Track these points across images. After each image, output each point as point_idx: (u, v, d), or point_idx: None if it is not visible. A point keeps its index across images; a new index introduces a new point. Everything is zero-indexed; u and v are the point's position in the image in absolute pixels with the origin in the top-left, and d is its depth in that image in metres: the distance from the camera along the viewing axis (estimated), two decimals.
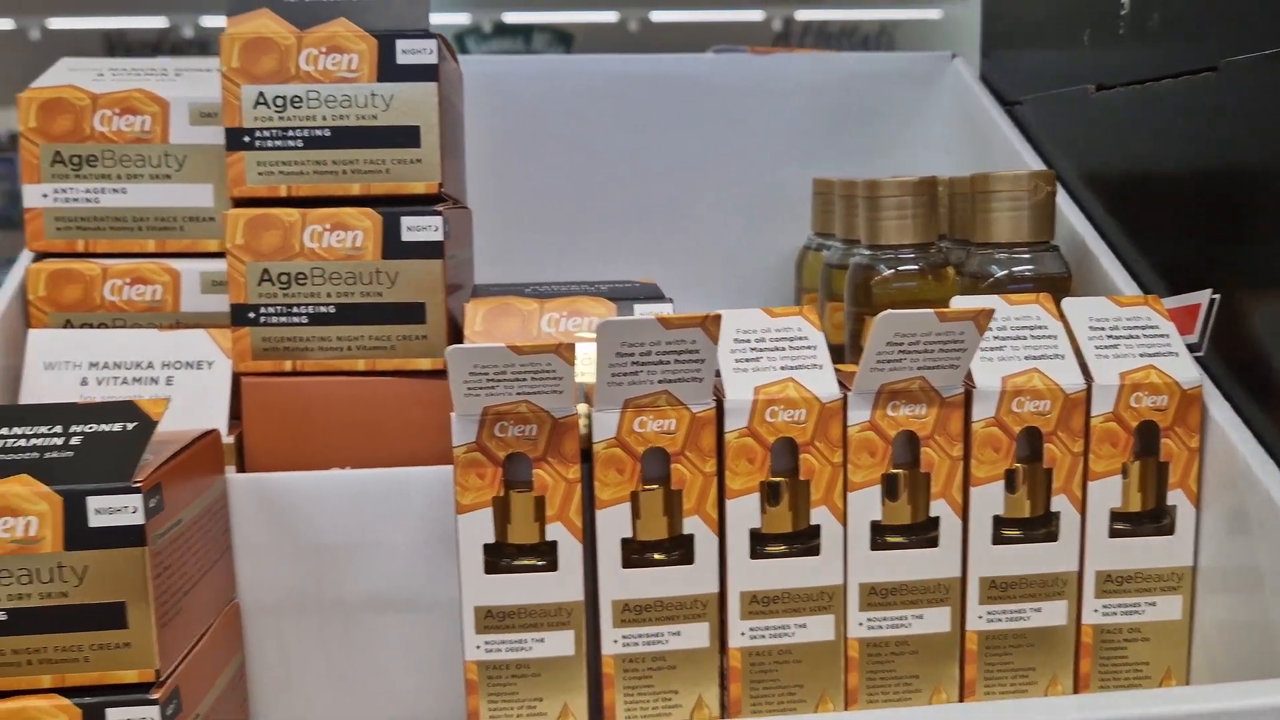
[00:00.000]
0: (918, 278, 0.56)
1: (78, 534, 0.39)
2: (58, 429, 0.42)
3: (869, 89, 0.73)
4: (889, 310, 0.42)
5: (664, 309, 0.52)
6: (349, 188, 0.51)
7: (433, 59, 0.50)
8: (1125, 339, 0.48)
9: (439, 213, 0.50)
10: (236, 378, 0.51)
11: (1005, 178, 0.52)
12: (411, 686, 0.50)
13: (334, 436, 0.51)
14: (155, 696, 0.40)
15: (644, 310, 0.52)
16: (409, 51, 0.50)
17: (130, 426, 0.42)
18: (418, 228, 0.50)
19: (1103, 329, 0.48)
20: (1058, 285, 0.53)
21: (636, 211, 0.73)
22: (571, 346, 0.41)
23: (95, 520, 0.39)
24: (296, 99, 0.50)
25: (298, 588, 0.49)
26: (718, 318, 0.41)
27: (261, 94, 0.50)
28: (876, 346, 0.43)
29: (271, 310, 0.50)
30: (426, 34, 0.51)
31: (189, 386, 0.50)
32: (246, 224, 0.50)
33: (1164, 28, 0.52)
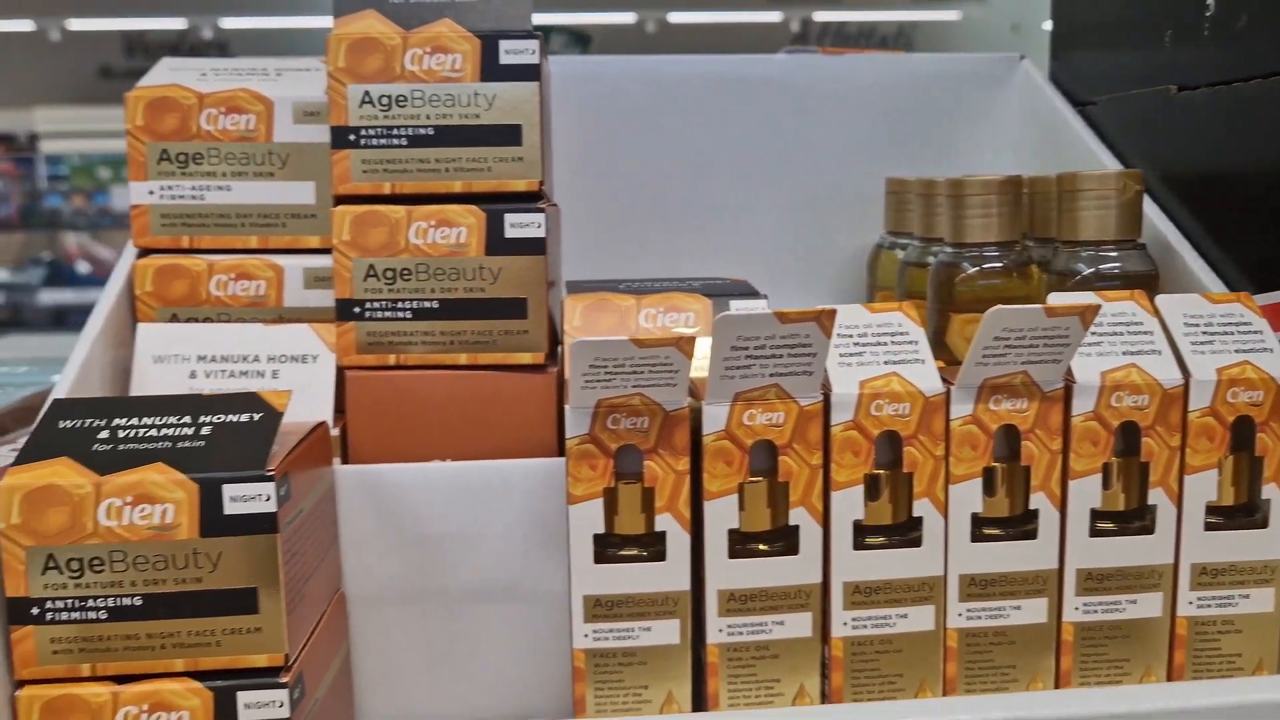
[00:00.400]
0: (1002, 275, 0.57)
1: (213, 521, 0.40)
2: (187, 419, 0.43)
3: (938, 90, 0.74)
4: (998, 306, 0.43)
5: (759, 305, 0.53)
6: (451, 185, 0.52)
7: (535, 59, 0.51)
8: (1220, 335, 0.49)
9: (541, 210, 0.51)
10: (340, 371, 0.52)
11: (1094, 176, 0.53)
12: (512, 676, 0.51)
13: (435, 429, 0.52)
14: (284, 680, 0.41)
15: (740, 306, 0.52)
16: (511, 51, 0.51)
17: (257, 417, 0.43)
18: (520, 225, 0.51)
19: (1197, 325, 0.49)
20: (1146, 283, 0.53)
21: (707, 210, 0.74)
22: (692, 340, 0.42)
23: (230, 508, 0.40)
24: (401, 98, 0.51)
25: (400, 578, 0.50)
26: (833, 313, 0.42)
27: (367, 93, 0.51)
28: (983, 342, 0.44)
29: (376, 305, 0.51)
30: (529, 34, 0.52)
31: (294, 380, 0.51)
32: (353, 220, 0.51)
33: (1251, 28, 0.53)
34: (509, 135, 0.52)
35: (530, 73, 0.51)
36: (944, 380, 0.47)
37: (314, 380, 0.52)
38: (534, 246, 0.51)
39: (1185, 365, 0.47)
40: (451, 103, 0.51)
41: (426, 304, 0.51)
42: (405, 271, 0.51)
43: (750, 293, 0.54)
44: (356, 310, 0.51)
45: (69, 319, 3.90)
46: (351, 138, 0.51)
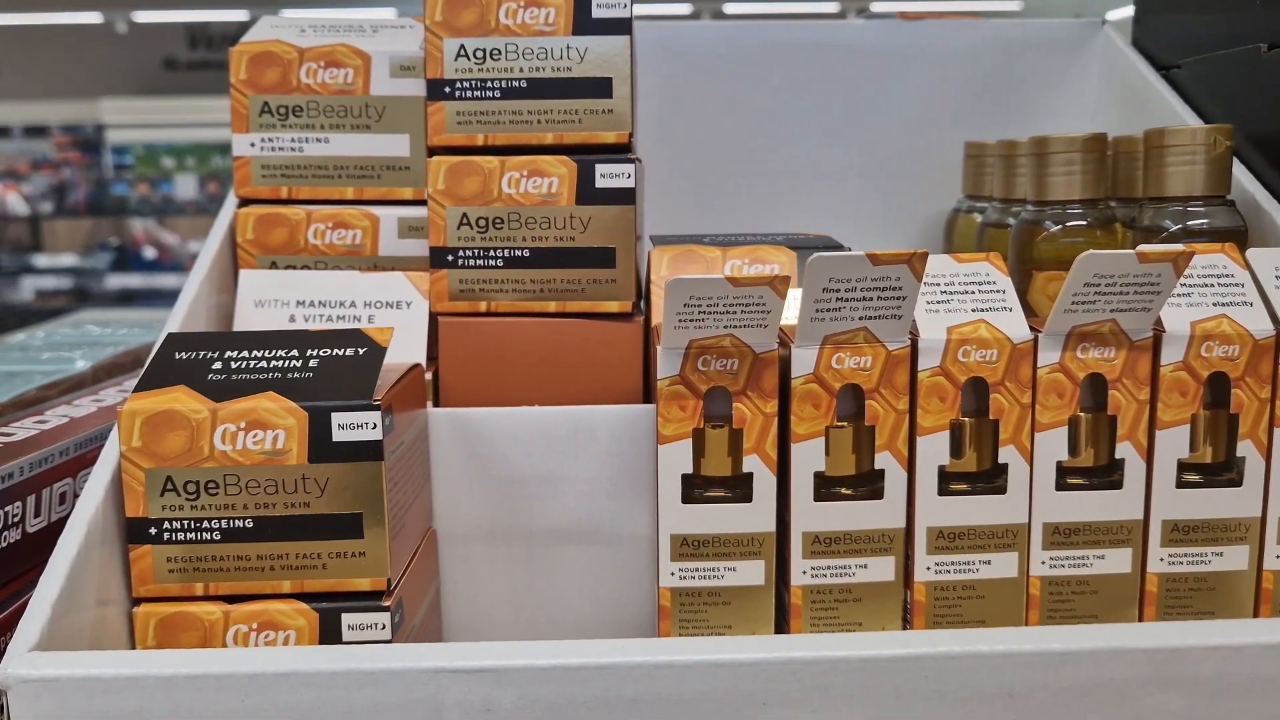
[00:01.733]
0: (1086, 233, 0.57)
1: (322, 447, 0.42)
2: (294, 352, 0.45)
3: (1017, 55, 0.73)
4: (1090, 251, 0.43)
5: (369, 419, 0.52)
6: (543, 137, 0.53)
7: (626, 13, 0.52)
8: None
9: (631, 160, 0.52)
10: (433, 318, 0.53)
11: (1183, 131, 0.53)
12: (595, 618, 0.52)
13: (524, 375, 0.53)
14: (387, 604, 0.43)
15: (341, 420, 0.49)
16: (603, 5, 0.52)
17: (362, 351, 0.44)
18: (611, 175, 0.52)
19: None
20: (1235, 238, 0.53)
21: (786, 173, 0.74)
22: (786, 280, 0.42)
23: (339, 435, 0.42)
24: (496, 51, 0.53)
25: (488, 518, 0.51)
26: (924, 255, 0.43)
27: (463, 46, 0.53)
28: (1073, 288, 0.44)
29: (469, 253, 0.53)
30: (623, 24, 0.53)
31: (390, 323, 0.53)
32: (448, 170, 0.52)
33: None
34: (600, 88, 0.53)
35: (622, 26, 0.52)
36: (1031, 328, 0.47)
37: (408, 325, 0.53)
38: (624, 197, 0.52)
39: (1277, 317, 0.47)
40: (544, 55, 0.53)
41: (518, 252, 0.53)
42: (498, 220, 0.52)
43: (835, 246, 0.54)
44: (450, 258, 0.53)
45: (135, 301, 4.01)
46: (447, 90, 0.53)
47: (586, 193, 0.52)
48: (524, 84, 0.53)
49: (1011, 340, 0.46)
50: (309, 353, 0.44)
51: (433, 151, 0.53)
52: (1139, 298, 0.45)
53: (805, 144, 0.74)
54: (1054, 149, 0.56)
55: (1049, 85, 0.74)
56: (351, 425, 0.42)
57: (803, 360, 0.45)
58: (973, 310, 0.47)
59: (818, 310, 0.44)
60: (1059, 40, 0.73)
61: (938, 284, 0.48)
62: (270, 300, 0.54)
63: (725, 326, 0.44)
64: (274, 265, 0.56)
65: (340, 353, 0.44)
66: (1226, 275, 0.48)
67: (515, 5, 0.53)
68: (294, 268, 0.56)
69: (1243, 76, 0.60)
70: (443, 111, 0.53)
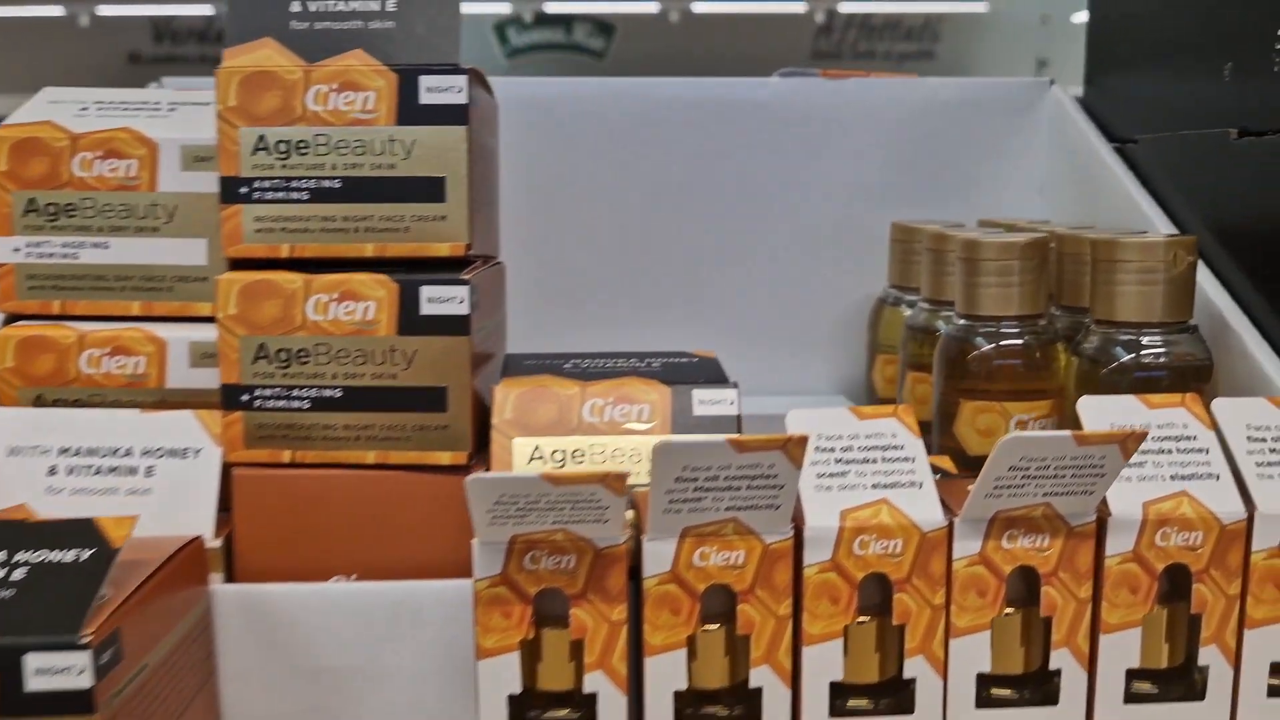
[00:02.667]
0: (1024, 355, 0.48)
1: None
2: (2, 555, 0.35)
3: (955, 119, 0.64)
4: (1015, 435, 0.34)
5: (726, 396, 0.44)
6: (361, 248, 0.43)
7: (462, 98, 0.43)
8: None
9: (465, 281, 0.42)
10: (227, 468, 0.44)
11: (1136, 245, 0.44)
12: None
13: (338, 540, 0.43)
14: None
15: (704, 397, 0.44)
16: (434, 89, 0.43)
17: (86, 556, 0.35)
18: (440, 299, 0.42)
19: (1264, 439, 0.40)
20: (1198, 375, 0.44)
21: (692, 253, 0.65)
22: (622, 478, 0.33)
23: (33, 684, 0.32)
24: (302, 144, 0.43)
25: (292, 719, 0.42)
26: (803, 441, 0.34)
27: (262, 137, 0.43)
28: (995, 472, 0.35)
29: (268, 392, 0.43)
30: (456, 69, 0.43)
31: (172, 477, 0.43)
32: (241, 291, 0.43)
33: None
34: (431, 189, 0.43)
35: (457, 114, 0.43)
36: (946, 508, 0.38)
37: (195, 478, 0.43)
38: (456, 325, 0.42)
39: (1249, 493, 0.38)
40: (362, 150, 0.43)
41: (328, 392, 0.43)
42: (302, 353, 0.43)
43: (718, 378, 0.45)
44: (245, 398, 0.43)
45: None
46: (244, 190, 0.43)
47: (410, 320, 0.42)
48: (337, 184, 0.43)
49: (920, 528, 0.37)
50: (16, 559, 0.35)
51: (231, 265, 0.44)
52: (1078, 481, 0.36)
53: (711, 221, 0.65)
54: (986, 255, 0.47)
55: (991, 154, 0.65)
56: (50, 669, 0.32)
57: (658, 557, 0.36)
58: (874, 486, 0.38)
59: (671, 501, 0.35)
60: (1002, 102, 0.64)
61: (832, 450, 0.39)
62: (28, 447, 0.44)
63: (554, 522, 0.35)
64: (40, 400, 0.46)
65: (58, 557, 0.35)
66: (1187, 438, 0.39)
67: (326, 89, 0.43)
68: (65, 402, 0.46)
69: (1209, 163, 0.51)
70: (239, 216, 0.43)
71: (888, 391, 0.60)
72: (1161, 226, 0.53)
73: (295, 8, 0.44)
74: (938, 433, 0.50)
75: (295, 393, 0.43)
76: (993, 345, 0.48)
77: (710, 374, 0.46)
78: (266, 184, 0.43)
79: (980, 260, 0.48)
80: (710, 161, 0.64)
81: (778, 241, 0.65)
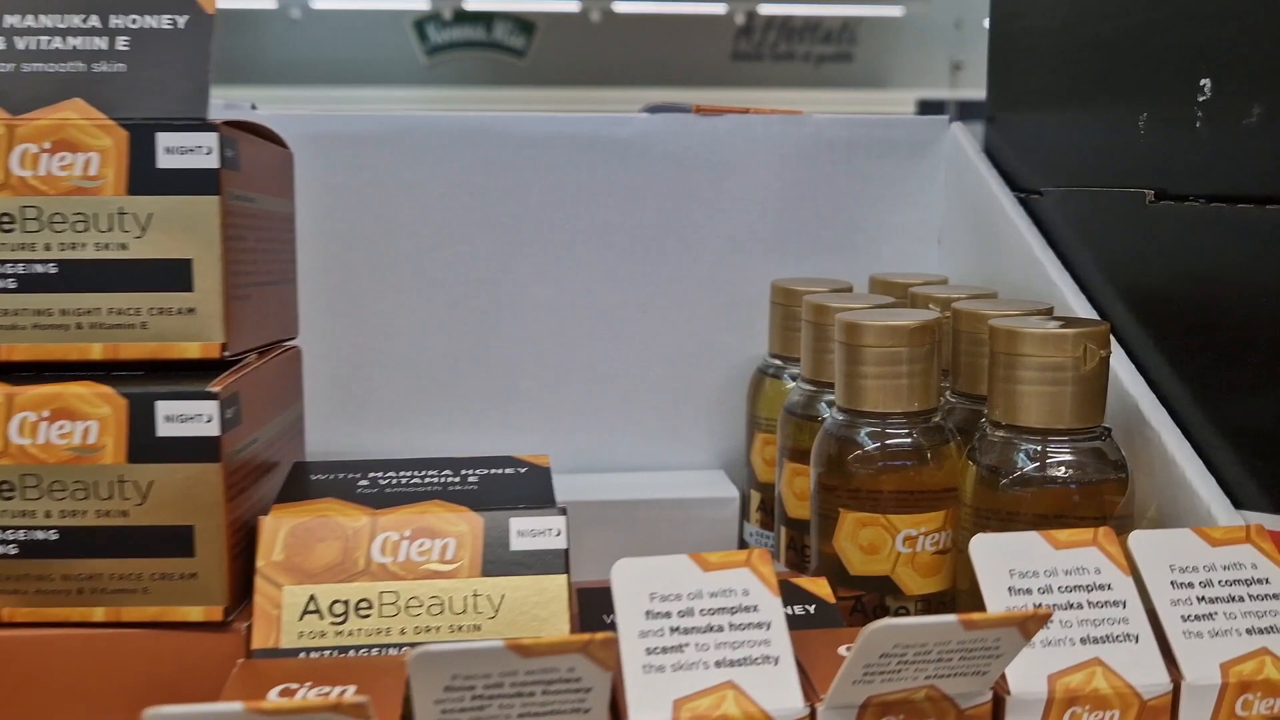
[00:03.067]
0: (913, 457, 0.41)
1: None
2: None
3: (844, 159, 0.57)
4: (885, 622, 0.26)
5: (551, 525, 0.36)
6: (87, 349, 0.34)
7: (212, 160, 0.34)
8: (1223, 602, 0.33)
9: (214, 395, 0.33)
10: None
11: (1039, 338, 0.37)
12: None
13: (60, 716, 0.34)
14: None
15: (523, 526, 0.36)
16: (175, 149, 0.34)
17: None
18: (182, 416, 0.33)
19: (1190, 585, 0.33)
20: (1112, 490, 0.37)
21: (546, 315, 0.57)
22: (610, 642, 0.25)
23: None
24: (7, 219, 0.34)
25: None
26: (609, 642, 0.25)
27: None
28: (864, 660, 0.28)
29: None
30: (203, 124, 0.34)
31: None
32: None
33: (1267, 126, 0.37)
34: (173, 275, 0.34)
35: (206, 180, 0.34)
36: (807, 685, 0.30)
37: None
38: (203, 450, 0.34)
39: (1174, 658, 0.32)
40: (84, 226, 0.34)
41: (40, 534, 0.34)
42: (6, 486, 0.34)
43: (542, 500, 0.37)
44: None
45: None
46: None
47: (142, 445, 0.33)
48: (53, 269, 0.34)
49: (770, 717, 0.29)
50: None
51: None
52: (969, 663, 0.28)
53: (568, 278, 0.56)
54: (868, 342, 0.40)
55: (885, 199, 0.57)
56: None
57: None
58: (715, 664, 0.30)
59: (444, 712, 0.26)
60: (897, 142, 0.57)
61: (667, 615, 0.31)
62: None
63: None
64: None
65: None
66: (1101, 587, 0.32)
67: (36, 149, 0.34)
68: None
69: (1123, 226, 0.45)
70: None
71: (767, 475, 0.53)
72: (1070, 296, 0.46)
73: None
74: (816, 538, 0.43)
75: (2, 536, 0.34)
76: (877, 446, 0.41)
77: (534, 492, 0.38)
78: None
79: (862, 347, 0.40)
80: (567, 209, 0.56)
81: (647, 299, 0.57)
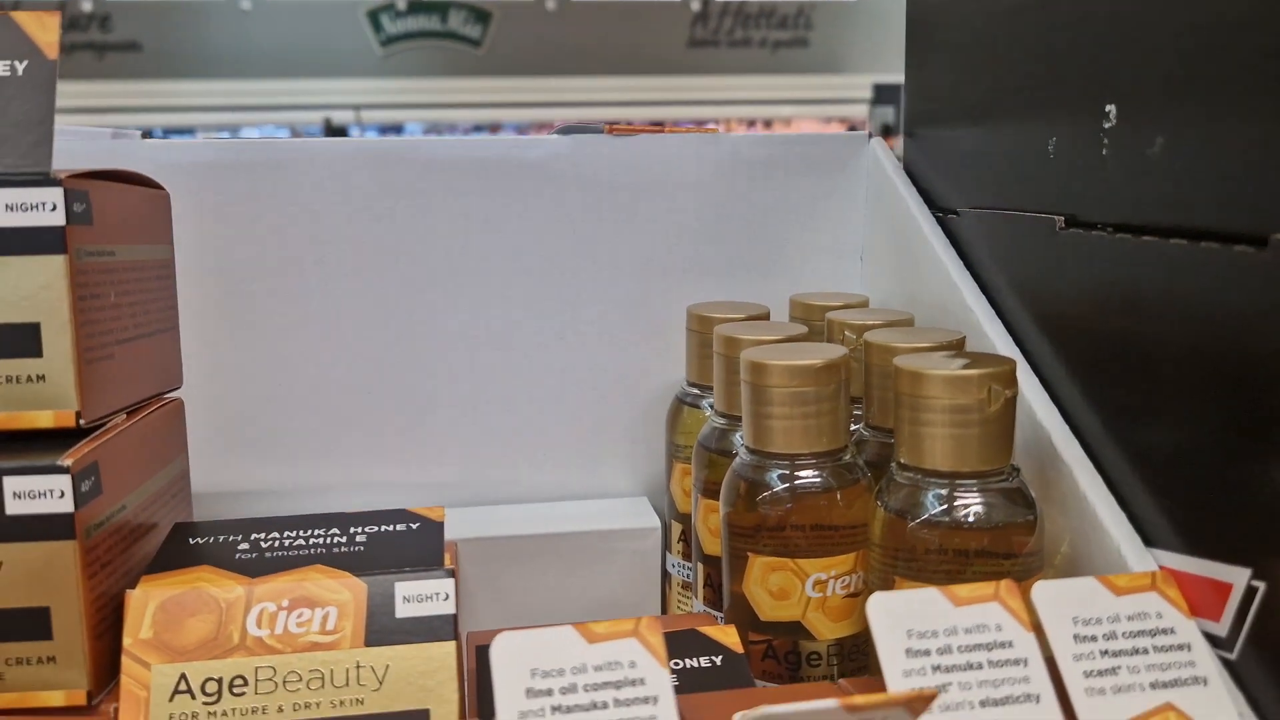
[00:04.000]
0: (822, 499, 0.39)
1: None
2: None
3: (762, 179, 0.56)
4: (764, 709, 0.25)
5: (439, 589, 0.34)
6: None
7: (57, 218, 0.32)
8: (1127, 655, 0.32)
9: (63, 469, 0.31)
10: None
11: (942, 380, 0.36)
12: None
13: None
14: None
15: (409, 591, 0.34)
16: (16, 207, 0.32)
17: None
18: (30, 493, 0.31)
19: (1094, 638, 0.32)
20: (1020, 529, 0.36)
21: (457, 346, 0.55)
22: (928, 698, 0.24)
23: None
24: None
25: None
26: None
27: None
28: None
29: None
30: (44, 178, 0.32)
31: None
32: None
33: (1170, 159, 0.36)
34: (19, 341, 0.32)
35: (51, 240, 0.32)
36: None
37: None
38: (56, 526, 0.32)
39: (1075, 716, 0.30)
40: None
41: None
42: None
43: (429, 560, 0.35)
44: None
45: None
46: None
47: None
48: None
49: None
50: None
51: None
52: None
53: (480, 306, 0.55)
54: (775, 381, 0.39)
55: (804, 218, 0.56)
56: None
57: None
58: None
59: None
60: (815, 160, 0.56)
61: (548, 691, 0.29)
62: None
63: None
64: None
65: None
66: (1001, 645, 0.31)
67: None
68: None
69: (1034, 252, 0.44)
70: None
71: (687, 505, 0.51)
72: (985, 321, 0.45)
73: None
74: (727, 578, 0.42)
75: None
76: (785, 487, 0.39)
77: (423, 553, 0.36)
78: None
79: (768, 387, 0.39)
80: (478, 235, 0.54)
81: (564, 325, 0.55)
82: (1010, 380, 0.36)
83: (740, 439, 0.45)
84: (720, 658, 0.38)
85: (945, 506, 0.37)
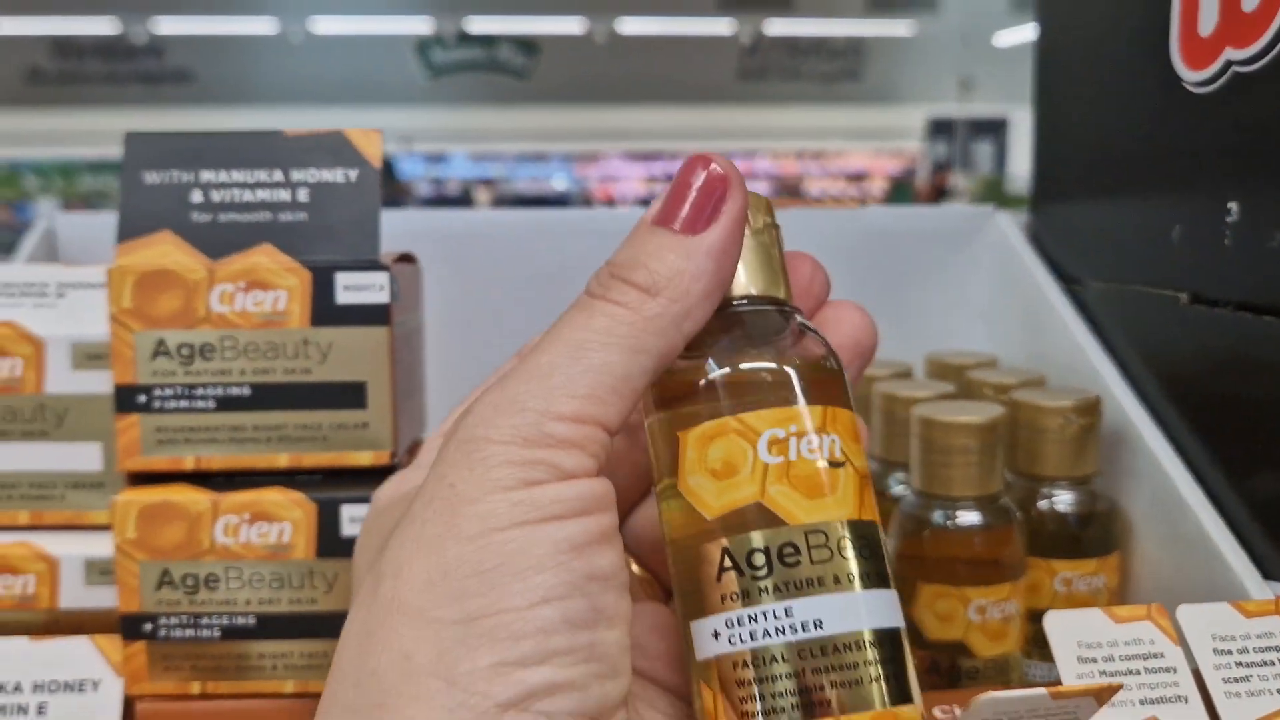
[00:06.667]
0: (983, 535, 0.46)
1: None
2: None
3: (894, 247, 0.63)
4: (991, 694, 0.32)
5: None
6: (275, 459, 0.40)
7: (383, 297, 0.40)
8: (1258, 666, 0.38)
9: None
10: (129, 702, 0.40)
11: (1048, 411, 0.42)
12: None
13: None
14: None
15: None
16: (352, 288, 0.40)
17: None
18: (361, 518, 0.39)
19: (1229, 652, 0.38)
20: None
21: None
22: (1114, 689, 0.31)
23: None
24: (208, 348, 0.39)
25: None
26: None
27: (162, 342, 0.39)
28: None
29: (174, 622, 0.39)
30: (376, 265, 0.40)
31: (69, 714, 0.39)
32: (140, 514, 0.39)
33: None
34: (350, 395, 0.40)
35: (378, 314, 0.40)
36: None
37: (95, 715, 0.39)
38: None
39: (1218, 715, 0.37)
40: (274, 354, 0.39)
41: (240, 620, 0.39)
42: (212, 578, 0.39)
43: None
44: (147, 628, 0.39)
45: None
46: (142, 399, 0.39)
47: (329, 541, 0.39)
48: (247, 391, 0.40)
49: None
50: None
51: (130, 480, 0.40)
52: None
53: None
54: (944, 436, 0.46)
55: (934, 285, 0.63)
56: None
57: None
58: None
59: None
60: (944, 231, 0.63)
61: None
62: None
63: None
64: None
65: None
66: (1154, 656, 0.38)
67: (233, 288, 0.39)
68: None
69: (1160, 324, 0.50)
70: (137, 428, 0.39)
71: None
72: (1110, 380, 0.52)
73: (196, 198, 0.40)
74: None
75: (204, 620, 0.39)
76: (950, 524, 0.46)
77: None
78: (168, 392, 0.39)
79: (938, 440, 0.46)
80: None
81: None
82: (1093, 409, 0.42)
83: (895, 481, 0.52)
84: None
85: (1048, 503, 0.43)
